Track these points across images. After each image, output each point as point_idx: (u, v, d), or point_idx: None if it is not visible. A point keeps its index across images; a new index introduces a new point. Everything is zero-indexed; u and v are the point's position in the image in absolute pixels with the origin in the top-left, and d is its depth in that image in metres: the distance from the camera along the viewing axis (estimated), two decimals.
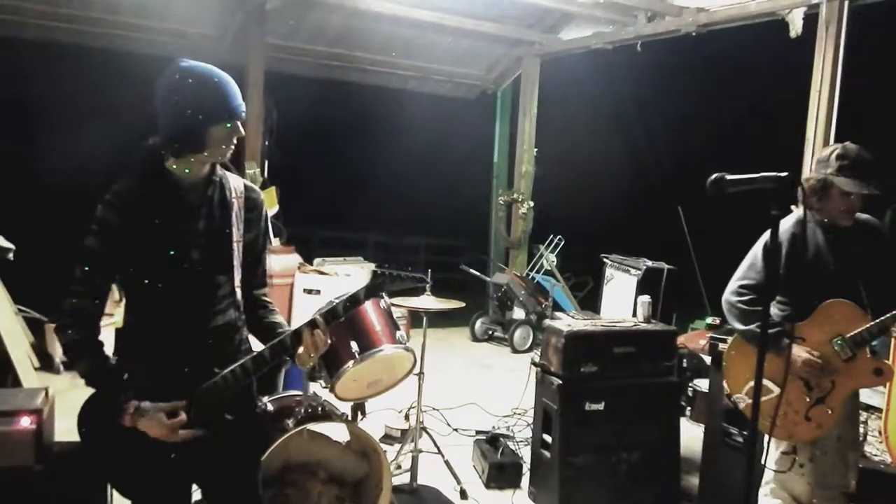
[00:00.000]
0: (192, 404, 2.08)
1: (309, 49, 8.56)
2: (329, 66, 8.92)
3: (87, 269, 2.04)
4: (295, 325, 2.19)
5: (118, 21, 7.32)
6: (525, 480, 4.24)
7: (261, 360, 2.13)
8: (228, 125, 2.05)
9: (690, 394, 5.54)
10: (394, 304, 3.89)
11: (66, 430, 4.64)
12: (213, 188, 2.13)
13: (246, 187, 2.23)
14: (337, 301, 2.21)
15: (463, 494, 4.05)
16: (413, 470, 4.03)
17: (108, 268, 2.07)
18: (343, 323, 3.06)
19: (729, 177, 1.97)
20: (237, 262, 2.17)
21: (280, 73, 8.21)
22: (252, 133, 7.46)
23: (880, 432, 4.59)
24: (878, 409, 4.59)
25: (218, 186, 2.15)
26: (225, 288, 2.16)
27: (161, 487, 2.15)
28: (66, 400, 5.48)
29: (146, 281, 2.06)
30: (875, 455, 4.56)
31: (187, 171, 2.08)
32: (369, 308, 3.29)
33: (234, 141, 2.09)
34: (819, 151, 5.54)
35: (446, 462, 4.15)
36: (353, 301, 2.19)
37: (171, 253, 2.06)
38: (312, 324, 2.13)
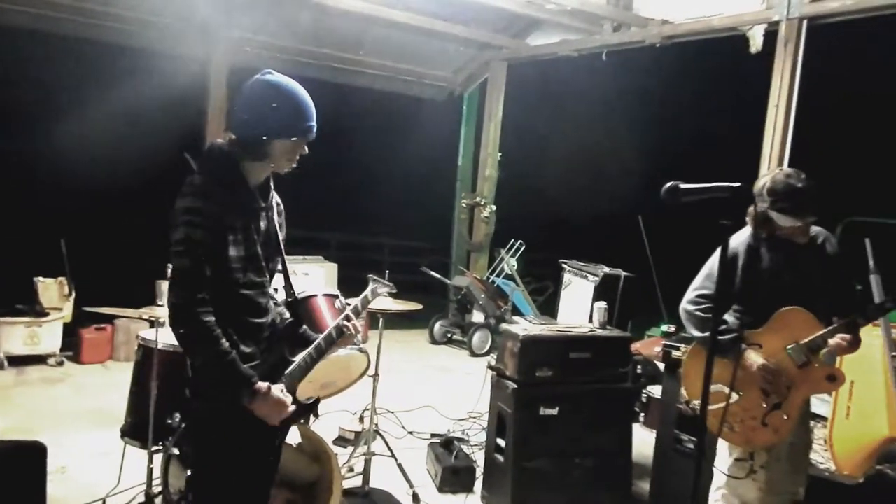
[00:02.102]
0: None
1: (277, 45, 8.47)
2: (297, 62, 8.82)
3: (188, 260, 2.07)
4: None
5: (80, 7, 7.12)
6: (479, 484, 4.23)
7: (319, 349, 2.35)
8: (295, 140, 2.20)
9: (644, 400, 5.60)
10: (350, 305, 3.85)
11: (8, 427, 4.51)
12: (270, 193, 2.33)
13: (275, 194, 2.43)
14: (356, 302, 2.54)
15: (415, 498, 4.03)
16: (365, 473, 3.99)
17: (208, 255, 2.10)
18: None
19: (683, 185, 1.99)
20: (282, 261, 2.38)
21: (247, 68, 8.10)
22: (215, 128, 7.36)
23: (825, 441, 4.69)
24: (824, 418, 4.69)
25: (272, 191, 2.34)
26: (272, 283, 2.37)
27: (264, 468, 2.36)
28: (9, 398, 5.36)
29: (223, 273, 2.14)
30: (820, 463, 4.66)
31: (260, 173, 2.25)
32: (324, 308, 3.26)
33: (298, 156, 2.26)
34: (774, 165, 5.69)
35: (399, 465, 4.12)
36: (365, 302, 2.57)
37: (244, 248, 2.19)
38: (347, 318, 2.41)
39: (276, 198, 2.39)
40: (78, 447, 4.43)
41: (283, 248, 2.37)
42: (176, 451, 3.17)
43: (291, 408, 2.23)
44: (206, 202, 2.09)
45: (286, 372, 2.29)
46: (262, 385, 2.14)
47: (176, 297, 2.08)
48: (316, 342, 2.35)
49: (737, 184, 1.90)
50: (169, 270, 2.13)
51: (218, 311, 2.12)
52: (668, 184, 1.99)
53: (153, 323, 3.45)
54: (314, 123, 2.24)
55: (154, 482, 3.41)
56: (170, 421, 3.29)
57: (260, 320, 2.27)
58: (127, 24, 7.38)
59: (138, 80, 7.43)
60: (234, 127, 2.21)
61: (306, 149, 2.26)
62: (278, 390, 2.19)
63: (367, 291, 2.57)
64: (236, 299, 2.19)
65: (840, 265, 3.15)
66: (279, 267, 2.38)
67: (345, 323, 2.39)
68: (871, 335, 4.07)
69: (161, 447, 3.34)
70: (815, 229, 3.10)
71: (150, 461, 3.40)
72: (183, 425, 3.22)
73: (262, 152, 2.18)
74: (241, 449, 2.23)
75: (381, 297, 3.95)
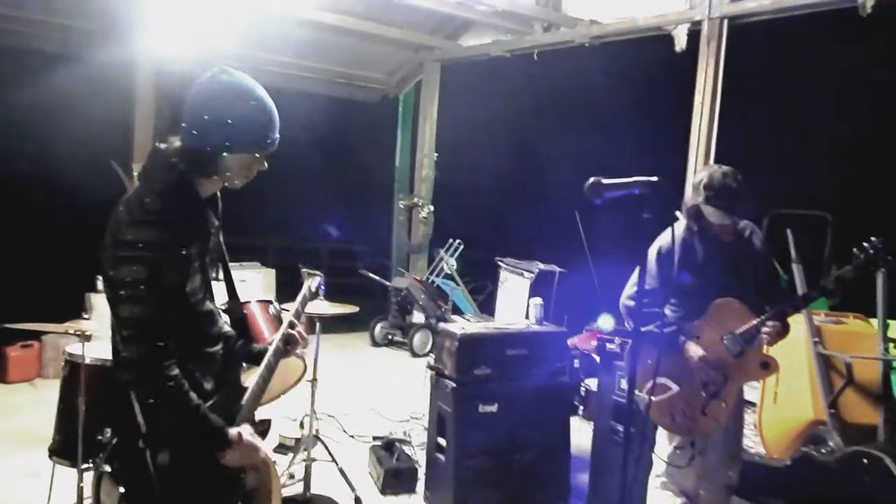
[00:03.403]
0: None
1: (205, 47, 8.27)
2: (226, 65, 8.64)
3: (152, 306, 1.79)
4: None
5: None
6: (421, 485, 4.23)
7: (270, 367, 2.17)
8: (251, 155, 1.96)
9: (583, 393, 5.69)
10: (285, 310, 3.81)
11: None
12: (219, 207, 2.10)
13: None
14: (296, 304, 2.41)
15: (357, 502, 4.00)
16: (306, 479, 3.95)
17: (173, 297, 1.85)
18: None
19: (605, 181, 2.04)
20: (225, 268, 2.19)
21: (175, 72, 7.88)
22: (142, 134, 7.14)
23: (755, 426, 4.86)
24: (753, 404, 4.86)
25: (220, 202, 2.11)
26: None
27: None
28: None
29: (183, 310, 1.92)
30: (750, 448, 4.82)
31: (210, 188, 2.01)
32: (257, 314, 3.21)
33: (254, 172, 2.01)
34: (701, 161, 5.86)
35: (341, 470, 4.08)
36: (304, 301, 2.45)
37: (200, 276, 1.96)
38: (291, 325, 2.26)
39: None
40: (5, 469, 4.25)
41: (225, 253, 2.15)
42: (107, 468, 3.08)
43: (264, 451, 2.06)
44: (170, 233, 1.81)
45: (244, 401, 2.09)
46: (234, 433, 1.94)
47: (138, 353, 1.80)
48: (266, 361, 2.16)
49: (654, 178, 1.96)
50: (123, 315, 1.82)
51: (179, 352, 1.88)
52: (591, 179, 2.04)
53: (81, 337, 3.34)
54: (277, 135, 1.98)
55: (85, 501, 3.30)
56: (100, 437, 3.18)
57: (213, 349, 2.05)
58: (44, 30, 7.10)
59: (61, 87, 7.15)
60: (183, 137, 1.90)
61: (265, 164, 2.01)
62: (248, 433, 2.00)
63: (304, 290, 2.44)
64: (194, 333, 1.97)
65: (767, 257, 3.28)
66: (220, 276, 2.16)
67: (290, 331, 2.25)
68: (795, 322, 4.23)
69: (91, 465, 3.23)
70: (742, 223, 3.21)
71: (81, 480, 3.29)
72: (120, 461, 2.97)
73: (215, 167, 1.92)
74: (208, 497, 2.03)
75: (318, 301, 3.95)
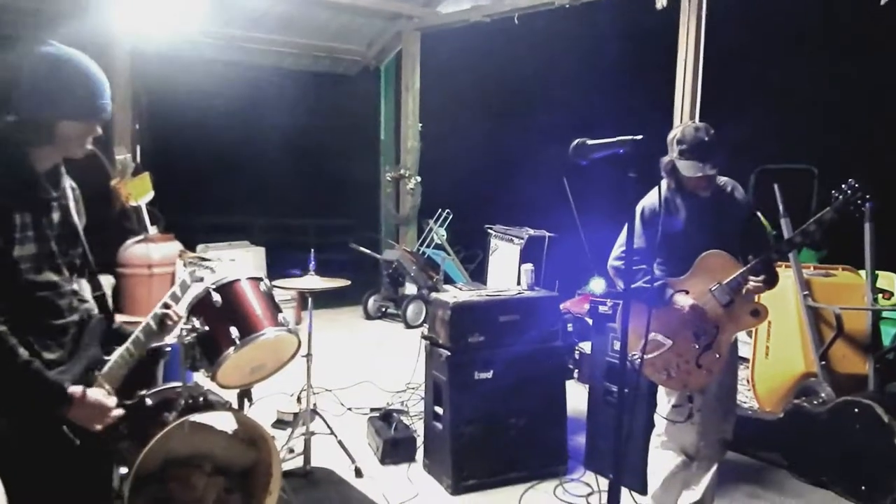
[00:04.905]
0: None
1: (180, 26, 8.13)
2: (203, 44, 8.52)
3: None
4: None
5: None
6: (420, 454, 4.27)
7: (138, 342, 2.22)
8: (87, 122, 2.00)
9: (577, 356, 5.74)
10: (279, 287, 3.81)
11: None
12: (62, 180, 2.11)
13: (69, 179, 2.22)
14: (174, 288, 2.48)
15: (358, 473, 4.03)
16: (306, 453, 3.98)
17: None
18: (221, 309, 3.00)
19: (590, 142, 2.03)
20: (84, 253, 2.18)
21: (148, 52, 7.76)
22: (121, 118, 7.05)
23: (748, 380, 4.92)
24: (746, 360, 4.91)
25: (64, 177, 2.12)
26: (73, 276, 2.14)
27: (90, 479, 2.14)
28: None
29: (11, 277, 1.92)
30: (744, 402, 4.88)
31: (47, 159, 2.02)
32: (248, 292, 3.19)
33: (89, 141, 2.04)
34: (686, 117, 5.84)
35: (339, 442, 4.11)
36: (184, 287, 2.53)
37: (36, 245, 1.97)
38: (166, 306, 2.33)
39: (70, 183, 2.16)
40: None
41: (83, 238, 2.16)
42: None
43: (117, 411, 2.04)
44: None
45: (102, 371, 2.11)
46: (77, 389, 1.95)
47: None
48: (133, 335, 2.22)
49: (639, 136, 1.95)
50: None
51: (11, 317, 1.89)
52: (576, 141, 2.03)
53: None
54: (108, 101, 2.03)
55: None
56: None
57: (62, 321, 2.06)
58: (12, 15, 6.94)
59: None
60: (14, 107, 1.92)
61: (99, 130, 2.05)
62: (98, 393, 2.01)
63: (184, 275, 2.49)
64: (31, 302, 1.98)
65: (750, 209, 3.30)
66: (79, 261, 2.17)
67: (164, 311, 2.30)
68: (784, 276, 4.27)
69: None
70: (723, 179, 3.22)
71: None
72: None
73: (47, 136, 1.95)
74: (63, 467, 2.00)
75: (310, 277, 3.94)
